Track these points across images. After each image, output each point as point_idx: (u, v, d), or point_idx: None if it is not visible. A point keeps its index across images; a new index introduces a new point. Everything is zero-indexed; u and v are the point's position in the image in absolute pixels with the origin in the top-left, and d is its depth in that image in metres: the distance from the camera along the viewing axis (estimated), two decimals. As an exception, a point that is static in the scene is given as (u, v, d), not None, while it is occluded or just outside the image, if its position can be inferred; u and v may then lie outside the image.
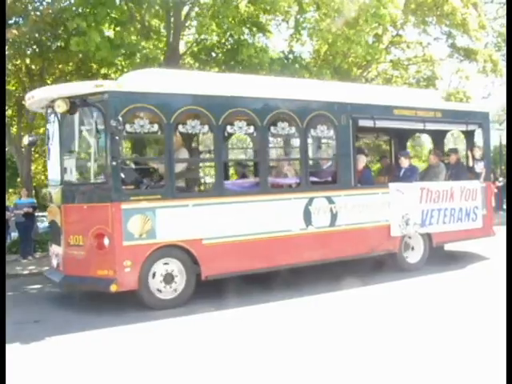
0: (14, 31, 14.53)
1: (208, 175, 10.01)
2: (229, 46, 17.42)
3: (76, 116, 8.02)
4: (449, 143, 18.46)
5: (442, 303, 7.95)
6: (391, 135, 12.89)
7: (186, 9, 17.11)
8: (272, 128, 9.03)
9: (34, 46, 16.58)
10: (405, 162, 10.78)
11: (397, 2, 17.67)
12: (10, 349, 5.96)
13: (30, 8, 15.86)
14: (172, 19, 16.86)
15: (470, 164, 11.70)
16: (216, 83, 8.90)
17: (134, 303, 8.10)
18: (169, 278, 8.17)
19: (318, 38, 19.13)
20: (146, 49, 15.39)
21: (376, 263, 10.35)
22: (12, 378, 5.10)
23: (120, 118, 7.61)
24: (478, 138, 12.14)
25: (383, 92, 11.20)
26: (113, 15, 14.69)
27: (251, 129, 8.84)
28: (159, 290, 8.11)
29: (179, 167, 8.53)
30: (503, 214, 18.31)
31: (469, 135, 12.03)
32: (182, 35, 18.04)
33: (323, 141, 10.16)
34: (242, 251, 8.63)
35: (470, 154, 11.87)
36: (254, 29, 17.77)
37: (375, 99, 10.11)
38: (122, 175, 8.01)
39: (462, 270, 10.47)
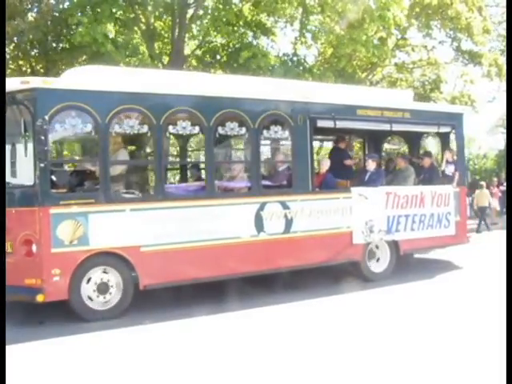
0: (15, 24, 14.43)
1: (149, 178, 9.49)
2: (232, 49, 17.37)
3: (5, 114, 7.54)
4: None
5: (400, 316, 7.39)
6: (365, 137, 12.33)
7: (190, 12, 17.14)
8: (220, 128, 8.51)
9: (38, 47, 16.49)
10: (371, 165, 10.20)
11: (402, 4, 17.54)
12: (12, 349, 5.69)
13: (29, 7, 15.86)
14: (177, 21, 16.89)
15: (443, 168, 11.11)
16: (160, 81, 8.38)
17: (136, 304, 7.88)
18: (103, 288, 7.65)
19: (322, 40, 19.37)
20: (143, 54, 15.27)
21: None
22: (12, 378, 4.89)
23: (46, 117, 7.13)
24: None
25: (346, 91, 10.61)
26: (116, 14, 14.58)
27: (196, 129, 8.34)
28: (93, 300, 7.59)
29: (116, 170, 8.04)
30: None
31: (444, 137, 11.44)
32: (187, 37, 17.89)
33: (278, 142, 9.59)
34: (184, 259, 8.10)
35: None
36: (258, 31, 17.84)
37: (336, 98, 9.56)
38: (53, 178, 7.56)
39: (430, 279, 9.89)
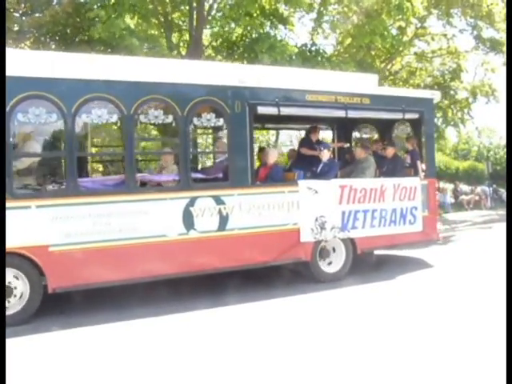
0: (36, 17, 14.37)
1: (60, 172, 8.76)
2: (250, 40, 17.05)
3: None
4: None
5: (349, 323, 6.61)
6: (333, 125, 11.42)
7: (208, 2, 16.88)
8: (142, 117, 7.77)
9: (58, 40, 16.38)
10: (326, 156, 9.32)
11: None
12: (11, 348, 5.42)
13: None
14: (195, 12, 16.59)
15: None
16: (76, 65, 7.66)
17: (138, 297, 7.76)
18: (7, 292, 7.01)
19: (340, 30, 19.12)
20: (162, 46, 14.94)
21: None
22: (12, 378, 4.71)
23: None
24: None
25: (294, 74, 9.68)
26: (134, 4, 14.59)
27: (114, 117, 7.60)
28: (-6, 306, 6.96)
29: (21, 163, 7.37)
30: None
31: (415, 125, 10.46)
32: (205, 28, 17.62)
33: (211, 131, 8.79)
34: (100, 260, 7.40)
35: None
36: (275, 21, 17.57)
37: (280, 82, 8.69)
38: None
39: (391, 281, 8.95)
